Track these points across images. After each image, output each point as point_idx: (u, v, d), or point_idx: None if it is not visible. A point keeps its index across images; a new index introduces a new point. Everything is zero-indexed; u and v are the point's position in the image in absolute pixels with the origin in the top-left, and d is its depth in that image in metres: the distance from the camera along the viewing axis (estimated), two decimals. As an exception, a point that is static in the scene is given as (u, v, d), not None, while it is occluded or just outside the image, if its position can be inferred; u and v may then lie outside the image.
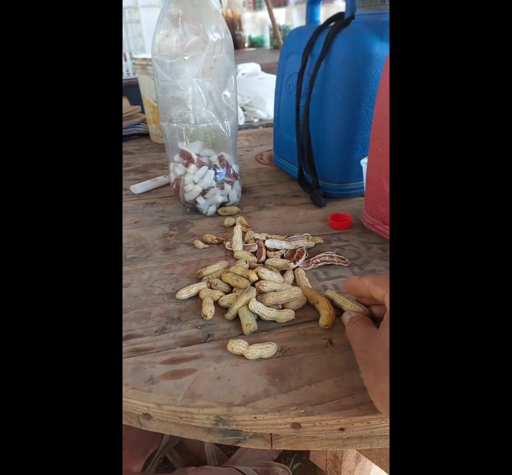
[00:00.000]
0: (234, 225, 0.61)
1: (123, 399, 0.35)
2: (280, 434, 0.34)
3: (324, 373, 0.35)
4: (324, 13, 0.77)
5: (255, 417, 0.33)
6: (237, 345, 0.37)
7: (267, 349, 0.37)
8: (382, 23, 0.58)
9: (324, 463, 0.58)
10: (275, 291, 0.43)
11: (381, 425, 0.32)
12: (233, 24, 2.44)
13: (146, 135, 1.10)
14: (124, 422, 0.37)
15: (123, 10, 1.27)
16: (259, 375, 0.35)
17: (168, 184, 0.78)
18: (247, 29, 2.71)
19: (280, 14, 2.65)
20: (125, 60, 1.34)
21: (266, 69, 1.46)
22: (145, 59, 0.94)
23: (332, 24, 0.64)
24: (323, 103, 0.62)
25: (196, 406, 0.33)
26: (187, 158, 0.61)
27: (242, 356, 0.37)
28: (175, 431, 0.36)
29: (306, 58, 0.65)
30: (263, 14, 2.54)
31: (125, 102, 1.21)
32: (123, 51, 1.34)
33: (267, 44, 2.61)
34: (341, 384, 0.34)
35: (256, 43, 2.82)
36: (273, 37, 2.34)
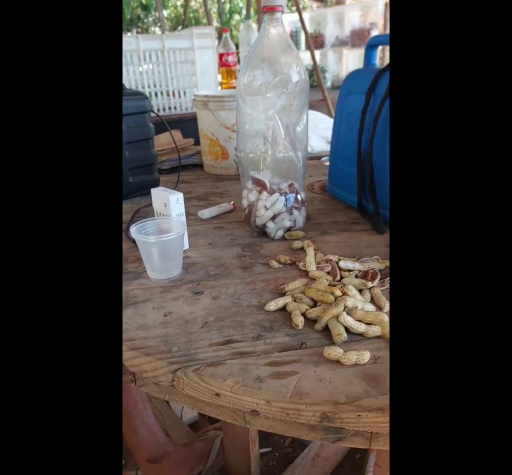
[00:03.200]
0: (302, 248, 0.65)
1: (233, 395, 0.39)
2: (381, 433, 0.37)
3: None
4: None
5: (359, 415, 0.36)
6: (334, 352, 0.41)
7: (362, 356, 0.40)
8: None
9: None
10: (356, 307, 0.47)
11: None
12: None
13: (200, 166, 1.17)
14: (229, 420, 0.41)
15: (180, 51, 1.38)
16: (357, 379, 0.39)
17: (231, 211, 0.83)
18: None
19: (316, 56, 2.80)
20: (179, 97, 1.45)
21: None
22: (206, 95, 1.02)
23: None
24: (386, 138, 0.68)
25: (304, 403, 0.37)
26: (260, 186, 0.67)
27: (338, 362, 0.41)
28: (279, 429, 0.39)
29: (369, 97, 0.71)
30: (300, 55, 2.69)
31: (178, 134, 1.29)
32: (176, 88, 1.44)
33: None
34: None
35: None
36: (310, 76, 2.46)
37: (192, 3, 6.56)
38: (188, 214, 0.82)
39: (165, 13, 7.00)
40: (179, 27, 6.34)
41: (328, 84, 2.86)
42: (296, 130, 0.64)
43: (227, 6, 6.89)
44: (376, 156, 0.69)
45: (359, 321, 0.45)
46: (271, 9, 0.59)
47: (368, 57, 0.80)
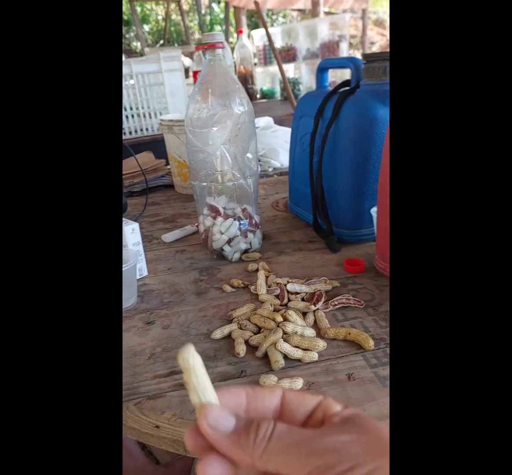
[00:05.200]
0: (257, 270, 0.67)
1: (172, 428, 0.40)
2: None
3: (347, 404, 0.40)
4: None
5: (287, 443, 0.38)
6: (268, 380, 0.43)
7: (295, 383, 0.42)
8: (384, 91, 0.66)
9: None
10: (296, 333, 0.49)
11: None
12: (246, 79, 2.62)
13: (171, 186, 1.19)
14: (171, 450, 0.42)
15: (149, 74, 1.41)
16: (289, 406, 0.41)
17: (195, 233, 0.85)
18: (259, 82, 2.92)
19: (290, 68, 2.85)
20: (150, 118, 1.47)
21: (278, 121, 1.57)
22: (171, 120, 1.05)
23: (340, 90, 0.73)
24: (334, 160, 0.70)
25: (236, 433, 0.38)
26: (214, 212, 0.69)
27: (273, 389, 0.43)
28: (216, 457, 0.41)
29: (317, 121, 0.73)
30: (273, 68, 2.74)
31: (150, 156, 1.31)
32: (147, 110, 1.47)
33: (278, 95, 2.80)
34: (361, 413, 0.39)
35: (267, 95, 3.00)
36: (283, 89, 2.50)
37: (173, 17, 6.63)
38: (152, 238, 0.85)
39: (147, 27, 7.07)
40: (161, 41, 6.41)
41: (302, 95, 2.92)
42: (245, 158, 0.67)
43: (208, 18, 6.98)
44: (325, 177, 0.72)
45: (297, 347, 0.47)
46: (212, 46, 0.62)
47: (320, 80, 0.83)
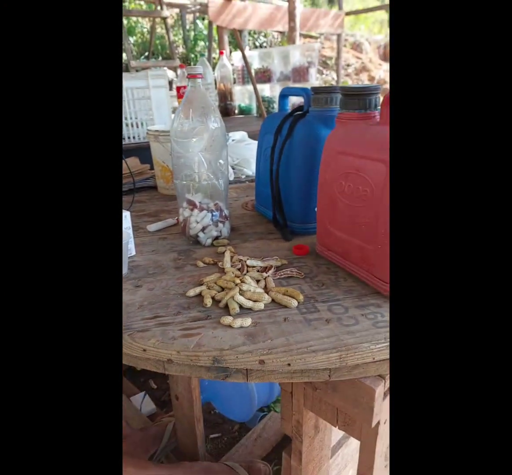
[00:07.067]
0: (224, 252, 0.84)
1: (155, 350, 0.57)
2: (252, 369, 0.55)
3: (280, 335, 0.57)
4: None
5: (237, 357, 0.54)
6: (226, 319, 0.60)
7: (245, 321, 0.59)
8: (327, 116, 0.85)
9: (290, 430, 0.78)
10: (249, 290, 0.66)
11: (314, 361, 0.54)
12: (225, 96, 2.82)
13: (154, 188, 1.36)
14: (151, 369, 0.59)
15: (138, 89, 1.58)
16: (239, 336, 0.58)
17: (175, 224, 1.02)
18: (237, 99, 3.15)
19: (266, 88, 3.11)
20: (137, 127, 1.64)
21: (252, 136, 1.76)
22: (157, 131, 1.22)
23: (295, 114, 0.91)
24: (289, 168, 0.89)
25: (201, 351, 0.55)
26: (192, 205, 0.86)
27: (229, 326, 0.60)
28: (187, 372, 0.57)
29: (276, 137, 0.92)
30: (251, 87, 2.95)
31: (136, 161, 1.48)
32: (135, 121, 1.64)
33: (254, 111, 3.03)
34: (290, 340, 0.56)
35: (244, 111, 3.21)
36: (258, 107, 2.72)
37: (158, 30, 6.84)
38: (138, 228, 1.01)
39: (132, 39, 7.27)
40: (146, 53, 6.60)
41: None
42: (218, 163, 0.84)
43: (192, 33, 7.24)
44: (282, 182, 0.90)
45: (249, 299, 0.64)
46: (193, 76, 0.79)
47: (281, 104, 1.01)
